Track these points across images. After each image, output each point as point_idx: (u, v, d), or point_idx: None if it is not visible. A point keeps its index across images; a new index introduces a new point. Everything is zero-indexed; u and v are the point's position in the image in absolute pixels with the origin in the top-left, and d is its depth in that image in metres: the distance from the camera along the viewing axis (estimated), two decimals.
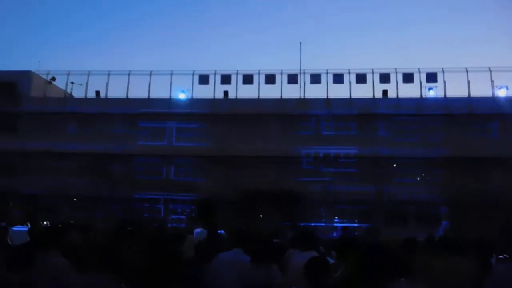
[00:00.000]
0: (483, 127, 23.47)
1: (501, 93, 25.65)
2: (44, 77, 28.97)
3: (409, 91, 26.29)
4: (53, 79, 29.13)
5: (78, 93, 28.93)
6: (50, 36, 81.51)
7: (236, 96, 26.73)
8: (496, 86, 25.68)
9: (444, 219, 24.19)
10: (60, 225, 8.14)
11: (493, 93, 25.60)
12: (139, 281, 3.59)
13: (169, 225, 23.74)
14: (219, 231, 8.13)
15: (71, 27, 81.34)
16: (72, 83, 28.58)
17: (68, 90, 28.75)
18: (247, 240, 5.20)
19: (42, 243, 4.29)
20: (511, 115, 23.48)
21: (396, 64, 77.22)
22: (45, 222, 14.49)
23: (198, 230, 12.25)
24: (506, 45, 67.13)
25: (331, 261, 5.92)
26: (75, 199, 25.66)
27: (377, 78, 26.12)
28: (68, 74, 28.33)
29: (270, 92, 26.59)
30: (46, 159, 24.85)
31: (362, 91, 27.07)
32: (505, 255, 5.05)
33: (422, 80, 25.97)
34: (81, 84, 28.22)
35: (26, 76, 28.24)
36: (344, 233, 17.13)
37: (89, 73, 27.96)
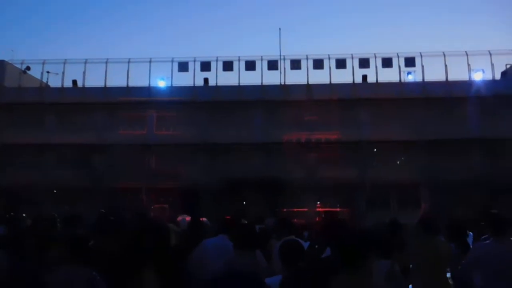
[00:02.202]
0: (461, 110, 23.87)
1: (477, 76, 26.16)
2: (19, 66, 28.18)
3: (388, 75, 26.63)
4: (28, 68, 28.34)
5: (54, 82, 28.31)
6: (25, 26, 79.28)
7: (216, 83, 26.56)
8: (473, 70, 26.17)
9: (425, 201, 24.70)
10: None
11: (469, 77, 26.08)
12: (119, 270, 3.56)
13: (152, 214, 23.66)
14: (202, 219, 8.11)
15: (46, 17, 79.22)
16: (48, 72, 27.91)
17: (44, 80, 28.09)
18: (232, 227, 5.21)
19: None
20: (487, 97, 23.96)
21: (374, 47, 77.84)
22: (23, 215, 14.23)
23: (179, 218, 12.27)
24: (483, 27, 68.23)
25: (307, 244, 6.00)
26: (55, 191, 25.26)
27: (356, 63, 26.30)
28: (44, 63, 27.62)
29: (250, 78, 26.54)
30: (24, 151, 24.37)
31: (342, 76, 27.22)
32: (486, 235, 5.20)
33: (400, 65, 26.26)
34: (57, 74, 27.57)
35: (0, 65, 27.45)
36: (327, 217, 17.37)
37: (65, 62, 27.31)
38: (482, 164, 22.22)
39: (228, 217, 5.77)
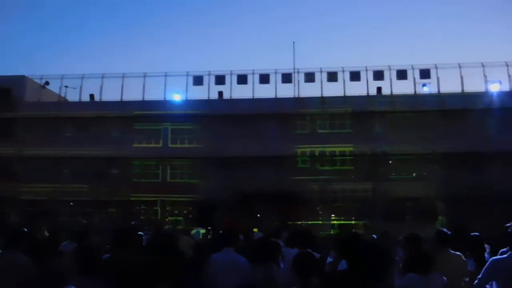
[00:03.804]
0: (477, 122, 23.53)
1: (494, 88, 25.82)
2: (38, 81, 28.86)
3: (403, 87, 26.47)
4: (47, 83, 29.02)
5: (72, 97, 28.89)
6: (43, 39, 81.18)
7: (230, 97, 26.76)
8: (489, 81, 25.85)
9: (440, 214, 24.32)
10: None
11: (486, 88, 25.76)
12: (135, 282, 3.61)
13: (166, 227, 23.78)
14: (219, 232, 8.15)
15: (64, 30, 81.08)
16: (66, 87, 28.50)
17: (63, 94, 28.66)
18: (236, 239, 5.23)
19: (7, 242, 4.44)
20: (505, 109, 23.62)
21: (389, 59, 77.59)
22: (42, 227, 14.46)
23: (193, 231, 12.42)
24: (499, 39, 67.60)
25: (330, 259, 5.98)
26: (71, 203, 25.59)
27: (371, 75, 26.25)
28: (62, 78, 28.24)
29: (264, 91, 26.68)
30: (42, 163, 24.79)
31: (356, 89, 27.15)
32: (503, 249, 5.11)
33: (415, 77, 26.13)
34: (75, 88, 28.15)
35: (21, 81, 28.13)
36: (342, 230, 17.20)
37: (83, 77, 27.89)
38: (500, 177, 21.80)
39: (233, 227, 5.74)
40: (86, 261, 4.12)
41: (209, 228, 20.70)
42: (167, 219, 25.83)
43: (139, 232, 9.13)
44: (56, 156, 24.94)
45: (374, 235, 7.04)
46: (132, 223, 9.92)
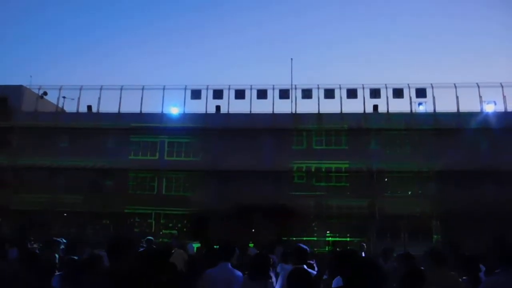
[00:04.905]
0: (472, 141, 23.71)
1: (489, 108, 26.10)
2: (36, 91, 28.86)
3: (399, 106, 26.70)
4: (45, 93, 29.02)
5: (70, 107, 28.90)
6: (41, 48, 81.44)
7: (228, 111, 26.87)
8: (484, 101, 26.14)
9: (435, 232, 24.33)
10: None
11: (481, 108, 26.04)
12: None
13: (160, 239, 23.60)
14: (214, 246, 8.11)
15: (61, 39, 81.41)
16: (64, 97, 28.51)
17: (60, 105, 28.66)
18: (232, 253, 5.23)
19: None
20: (499, 129, 23.84)
21: (386, 75, 78.30)
22: (32, 239, 14.37)
23: (188, 244, 12.40)
24: (495, 59, 68.42)
25: (325, 276, 5.97)
26: (65, 214, 25.40)
27: (367, 93, 26.49)
28: (60, 89, 28.27)
29: (262, 106, 26.89)
30: (37, 173, 24.67)
31: (353, 106, 27.37)
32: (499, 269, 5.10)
33: (411, 95, 26.38)
34: (73, 99, 28.20)
35: (18, 90, 28.13)
36: (336, 247, 17.11)
37: (81, 88, 27.96)
38: (494, 195, 21.90)
39: (230, 240, 5.72)
40: (76, 272, 4.12)
41: (204, 241, 20.57)
42: (161, 232, 25.66)
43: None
44: (51, 167, 24.84)
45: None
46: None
